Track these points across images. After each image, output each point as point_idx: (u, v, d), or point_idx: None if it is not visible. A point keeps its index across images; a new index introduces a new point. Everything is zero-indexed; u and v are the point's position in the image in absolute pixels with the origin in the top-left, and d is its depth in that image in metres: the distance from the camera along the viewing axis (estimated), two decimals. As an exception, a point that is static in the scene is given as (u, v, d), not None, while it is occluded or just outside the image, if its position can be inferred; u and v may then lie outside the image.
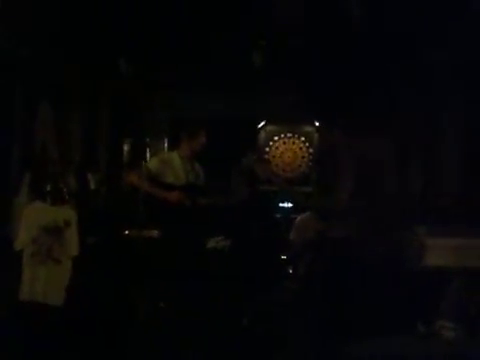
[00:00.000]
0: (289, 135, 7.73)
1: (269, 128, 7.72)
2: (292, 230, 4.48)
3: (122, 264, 4.49)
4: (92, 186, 5.37)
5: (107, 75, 5.91)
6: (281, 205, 6.64)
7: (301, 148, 7.72)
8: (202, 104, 6.88)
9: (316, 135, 7.61)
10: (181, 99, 6.97)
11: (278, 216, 6.27)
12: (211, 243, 4.37)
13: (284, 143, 7.75)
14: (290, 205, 6.58)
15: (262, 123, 7.62)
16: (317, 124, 7.52)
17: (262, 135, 7.71)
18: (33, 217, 3.79)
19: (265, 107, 7.12)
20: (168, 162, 3.84)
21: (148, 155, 7.12)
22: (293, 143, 7.73)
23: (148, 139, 7.26)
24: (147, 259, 4.24)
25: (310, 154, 7.68)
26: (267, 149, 7.74)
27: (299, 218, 4.53)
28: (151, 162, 4.07)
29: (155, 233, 4.11)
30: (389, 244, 3.59)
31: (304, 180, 7.17)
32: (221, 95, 6.82)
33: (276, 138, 7.74)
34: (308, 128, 7.68)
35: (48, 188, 3.99)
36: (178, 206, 3.70)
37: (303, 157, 7.72)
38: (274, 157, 7.74)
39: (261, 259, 4.66)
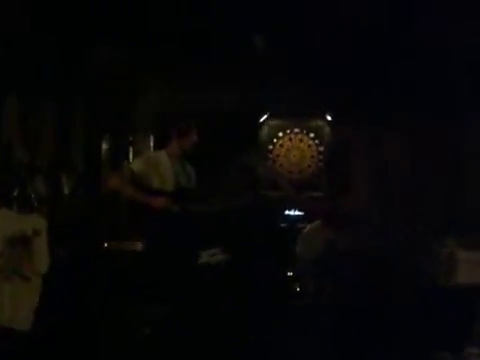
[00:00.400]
0: (296, 131, 7.75)
1: (273, 122, 7.74)
2: (299, 242, 4.49)
3: (100, 282, 4.49)
4: (65, 190, 5.38)
5: (84, 61, 5.92)
6: (287, 213, 6.65)
7: (310, 146, 7.74)
8: (194, 95, 6.88)
9: (327, 130, 7.62)
10: (170, 89, 6.98)
11: (284, 225, 6.28)
12: (204, 257, 4.38)
13: (290, 140, 7.77)
14: (298, 213, 6.58)
15: (264, 116, 7.64)
16: (329, 118, 7.53)
17: (264, 131, 7.72)
18: (-3, 227, 3.79)
19: (268, 98, 7.13)
20: (155, 163, 3.84)
21: (131, 154, 7.14)
22: (301, 140, 7.75)
23: (131, 136, 7.28)
24: (129, 276, 4.25)
25: (320, 153, 7.69)
26: (270, 147, 7.76)
27: (308, 228, 4.53)
28: (135, 163, 4.08)
29: (138, 246, 4.11)
30: (412, 257, 3.59)
31: (313, 184, 7.17)
32: (216, 84, 6.83)
33: (281, 134, 7.76)
34: (318, 122, 7.70)
35: (15, 193, 3.99)
36: (165, 214, 3.70)
37: (312, 156, 7.74)
38: (278, 156, 7.75)
39: (264, 276, 4.66)
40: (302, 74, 6.43)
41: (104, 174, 6.44)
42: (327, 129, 7.62)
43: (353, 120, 6.41)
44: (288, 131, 7.76)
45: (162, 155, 3.91)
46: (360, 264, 3.17)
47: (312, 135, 7.73)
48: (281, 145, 7.77)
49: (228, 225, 4.54)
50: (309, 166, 7.73)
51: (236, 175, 4.03)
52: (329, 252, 3.65)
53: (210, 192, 3.97)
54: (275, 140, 7.76)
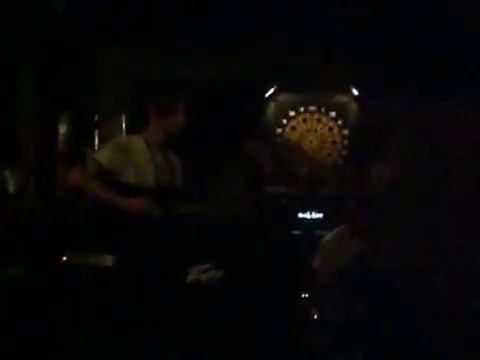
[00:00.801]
0: (313, 108, 7.76)
1: (282, 97, 7.74)
2: (318, 254, 4.50)
3: (58, 306, 4.49)
4: (11, 189, 5.37)
5: (35, 15, 5.89)
6: (301, 216, 6.65)
7: (331, 128, 7.75)
8: (181, 62, 6.87)
9: (353, 108, 7.62)
10: (149, 55, 6.97)
11: (297, 233, 6.29)
12: (193, 274, 4.38)
13: (305, 121, 7.77)
14: (316, 216, 6.59)
15: (271, 90, 7.63)
16: (355, 92, 7.53)
17: (271, 108, 7.72)
18: None
19: (276, 66, 7.12)
20: (128, 151, 3.84)
21: (97, 140, 7.13)
22: (319, 120, 7.76)
23: (97, 115, 7.27)
24: (96, 299, 4.24)
25: (345, 137, 7.69)
26: (279, 130, 7.75)
27: (329, 235, 4.54)
28: (102, 151, 4.06)
29: (108, 260, 4.11)
30: (471, 275, 3.59)
31: (336, 176, 7.19)
32: (209, 49, 6.81)
33: (293, 113, 7.77)
34: (342, 98, 7.69)
35: None
36: (143, 218, 3.70)
37: (334, 142, 7.73)
38: (290, 141, 7.74)
39: (270, 299, 4.66)
40: (321, 35, 6.43)
41: (61, 167, 6.44)
42: (353, 106, 7.62)
43: (387, 95, 6.40)
44: (302, 109, 7.76)
45: (138, 141, 3.90)
46: (399, 284, 3.15)
47: (333, 114, 7.73)
48: (293, 127, 7.77)
49: (224, 233, 4.54)
50: (329, 155, 7.73)
51: (234, 168, 4.02)
52: (358, 267, 3.65)
53: (201, 190, 3.97)
54: (285, 121, 7.76)
